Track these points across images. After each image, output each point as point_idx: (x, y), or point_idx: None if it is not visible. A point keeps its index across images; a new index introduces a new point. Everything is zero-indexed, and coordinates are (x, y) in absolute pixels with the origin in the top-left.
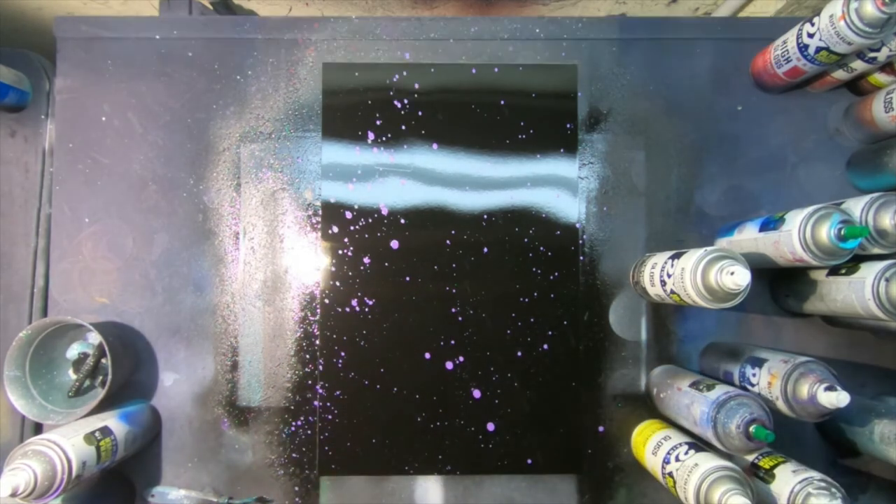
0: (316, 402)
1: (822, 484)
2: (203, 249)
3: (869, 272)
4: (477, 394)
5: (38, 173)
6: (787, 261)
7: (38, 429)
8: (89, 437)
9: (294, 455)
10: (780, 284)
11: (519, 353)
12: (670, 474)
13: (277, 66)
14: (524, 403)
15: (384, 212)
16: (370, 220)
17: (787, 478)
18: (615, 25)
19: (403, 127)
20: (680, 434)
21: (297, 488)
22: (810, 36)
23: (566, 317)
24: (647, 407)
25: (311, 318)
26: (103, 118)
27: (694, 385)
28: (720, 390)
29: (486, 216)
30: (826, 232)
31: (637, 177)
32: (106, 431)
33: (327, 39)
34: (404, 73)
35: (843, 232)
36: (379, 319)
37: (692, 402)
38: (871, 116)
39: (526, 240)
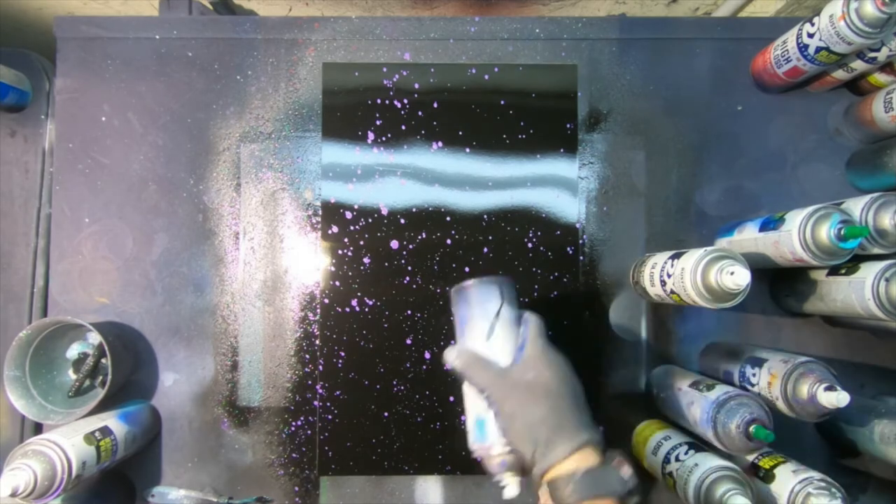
0: (316, 402)
1: (822, 484)
2: (203, 249)
3: (869, 272)
4: None
5: (38, 173)
6: (787, 261)
7: (38, 429)
8: (89, 437)
9: (294, 455)
10: (780, 284)
11: None
12: (670, 474)
13: (277, 66)
14: None
15: (384, 212)
16: (370, 220)
17: (787, 478)
18: (615, 25)
19: (403, 127)
20: (680, 434)
21: (297, 488)
22: (810, 36)
23: (566, 317)
24: (647, 407)
25: (311, 318)
26: (103, 118)
27: (694, 385)
28: (720, 390)
29: (486, 216)
30: (826, 232)
31: (637, 177)
32: (106, 431)
33: (327, 39)
34: (404, 73)
35: (843, 232)
36: (379, 319)
37: (692, 402)
38: (871, 116)
39: (526, 240)
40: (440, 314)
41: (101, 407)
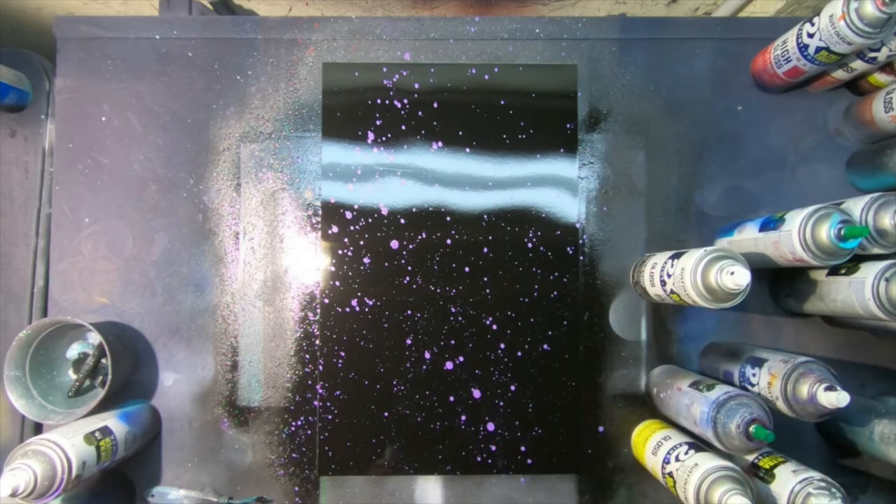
0: (316, 402)
1: (822, 484)
2: (203, 249)
3: (869, 272)
4: (477, 394)
5: (38, 173)
6: (787, 261)
7: (38, 429)
8: (89, 437)
9: (294, 455)
10: (780, 284)
11: (519, 353)
12: (670, 474)
13: (277, 66)
14: (524, 403)
15: (384, 212)
16: (370, 220)
17: (787, 478)
18: (615, 25)
19: (403, 127)
20: (680, 434)
21: (297, 488)
22: (810, 36)
23: (566, 317)
24: (647, 407)
25: (311, 318)
26: (103, 118)
27: (694, 385)
28: (720, 390)
29: (486, 216)
30: (826, 232)
31: (637, 177)
32: (106, 431)
33: (327, 39)
34: (404, 73)
35: (843, 232)
36: (379, 319)
37: (692, 402)
38: (871, 116)
39: (526, 240)
40: (440, 314)
41: (101, 407)
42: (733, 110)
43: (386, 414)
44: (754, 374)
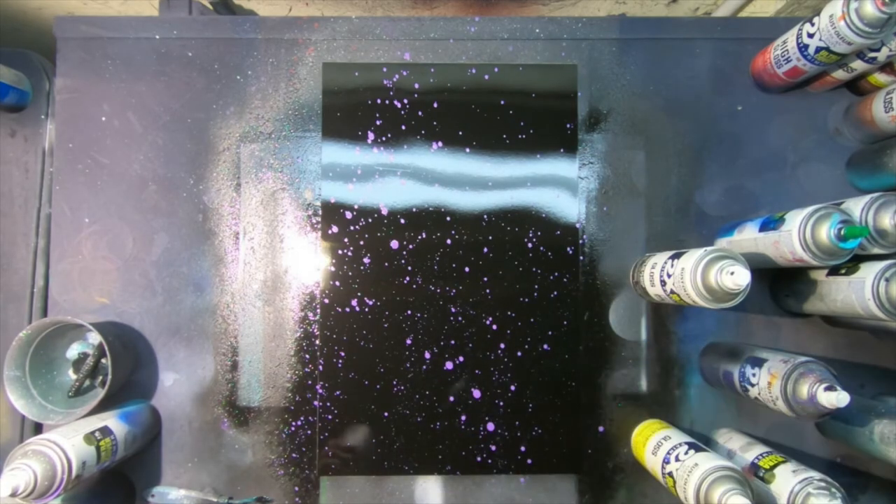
0: (316, 402)
1: (822, 484)
2: (203, 249)
3: (869, 272)
4: (477, 394)
5: (38, 173)
6: (787, 261)
7: (38, 429)
8: (89, 437)
9: (294, 455)
10: (780, 284)
11: (519, 353)
12: (670, 474)
13: (277, 66)
14: (524, 403)
15: (384, 212)
16: (370, 220)
17: (787, 478)
18: (615, 25)
19: (403, 127)
20: (680, 434)
21: (297, 488)
22: (810, 36)
23: (566, 317)
24: (647, 407)
25: (311, 318)
26: (103, 118)
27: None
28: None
29: (486, 216)
30: (826, 232)
31: (637, 177)
32: (106, 431)
33: (327, 39)
34: (404, 73)
35: (843, 232)
36: (379, 319)
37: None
38: (871, 116)
39: (526, 240)
40: (440, 314)
41: (101, 407)
42: (733, 110)
43: (386, 414)
44: (754, 375)
